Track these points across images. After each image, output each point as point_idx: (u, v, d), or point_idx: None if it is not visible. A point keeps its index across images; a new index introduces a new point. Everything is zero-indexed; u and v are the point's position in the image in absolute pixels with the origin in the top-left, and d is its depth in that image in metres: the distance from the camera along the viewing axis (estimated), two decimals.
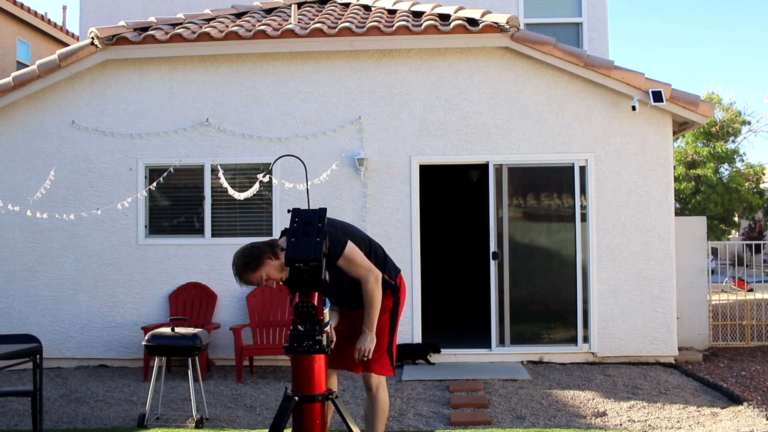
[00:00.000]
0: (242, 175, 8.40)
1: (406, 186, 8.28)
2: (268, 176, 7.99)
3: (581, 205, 8.21)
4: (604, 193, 8.18)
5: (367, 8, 9.30)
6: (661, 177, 8.15)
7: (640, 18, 58.63)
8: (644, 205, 8.15)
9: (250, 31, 8.13)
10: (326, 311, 3.73)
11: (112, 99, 8.50)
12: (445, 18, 8.34)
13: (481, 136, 8.27)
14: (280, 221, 8.28)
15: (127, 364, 8.34)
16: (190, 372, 5.86)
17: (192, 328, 6.00)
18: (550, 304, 8.35)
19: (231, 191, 7.89)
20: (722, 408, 6.21)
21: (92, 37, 8.10)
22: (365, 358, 4.11)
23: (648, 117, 8.15)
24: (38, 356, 4.86)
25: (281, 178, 8.17)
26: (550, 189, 8.36)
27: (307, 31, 8.06)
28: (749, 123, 18.71)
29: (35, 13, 14.35)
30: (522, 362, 8.07)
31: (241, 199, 7.88)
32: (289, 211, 3.74)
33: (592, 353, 8.14)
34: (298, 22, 8.40)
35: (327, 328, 3.72)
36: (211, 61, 8.45)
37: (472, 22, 8.09)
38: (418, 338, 8.20)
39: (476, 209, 9.83)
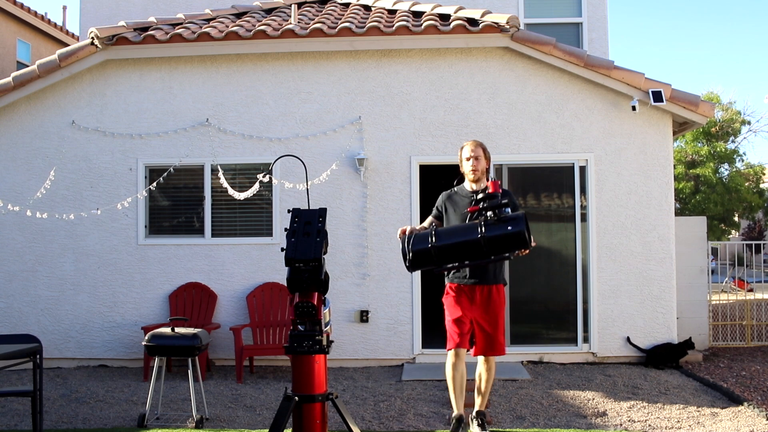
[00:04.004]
0: (242, 175, 8.40)
1: (406, 186, 8.28)
2: (268, 176, 7.99)
3: (581, 205, 8.21)
4: (604, 193, 8.18)
5: (367, 8, 9.30)
6: (661, 177, 8.15)
7: (640, 18, 58.63)
8: (644, 205, 8.15)
9: (250, 31, 8.13)
10: (326, 311, 3.74)
11: (112, 99, 8.50)
12: (445, 18, 8.34)
13: (481, 136, 8.25)
14: (280, 221, 8.28)
15: (127, 364, 8.34)
16: (190, 372, 5.86)
17: (192, 328, 6.00)
18: (550, 304, 8.35)
19: (231, 191, 7.90)
20: (722, 408, 6.21)
21: (92, 37, 8.10)
22: None
23: (648, 117, 8.15)
24: (38, 356, 4.86)
25: (281, 178, 8.17)
26: (550, 189, 8.36)
27: (307, 31, 8.06)
28: (749, 123, 18.75)
29: (35, 13, 14.35)
30: (522, 362, 8.07)
31: (241, 199, 7.88)
32: (289, 211, 3.75)
33: (592, 353, 8.14)
34: (298, 22, 8.41)
35: (327, 328, 3.73)
36: (211, 61, 8.45)
37: (472, 22, 8.09)
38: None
39: None
